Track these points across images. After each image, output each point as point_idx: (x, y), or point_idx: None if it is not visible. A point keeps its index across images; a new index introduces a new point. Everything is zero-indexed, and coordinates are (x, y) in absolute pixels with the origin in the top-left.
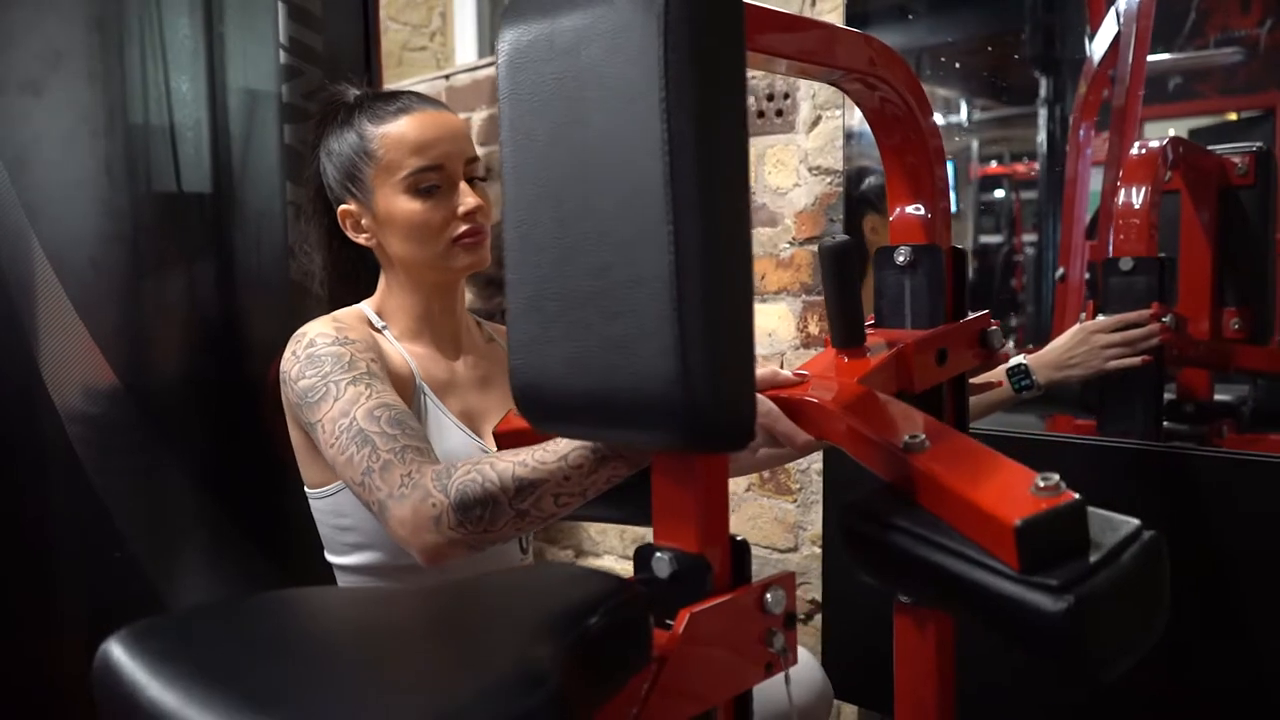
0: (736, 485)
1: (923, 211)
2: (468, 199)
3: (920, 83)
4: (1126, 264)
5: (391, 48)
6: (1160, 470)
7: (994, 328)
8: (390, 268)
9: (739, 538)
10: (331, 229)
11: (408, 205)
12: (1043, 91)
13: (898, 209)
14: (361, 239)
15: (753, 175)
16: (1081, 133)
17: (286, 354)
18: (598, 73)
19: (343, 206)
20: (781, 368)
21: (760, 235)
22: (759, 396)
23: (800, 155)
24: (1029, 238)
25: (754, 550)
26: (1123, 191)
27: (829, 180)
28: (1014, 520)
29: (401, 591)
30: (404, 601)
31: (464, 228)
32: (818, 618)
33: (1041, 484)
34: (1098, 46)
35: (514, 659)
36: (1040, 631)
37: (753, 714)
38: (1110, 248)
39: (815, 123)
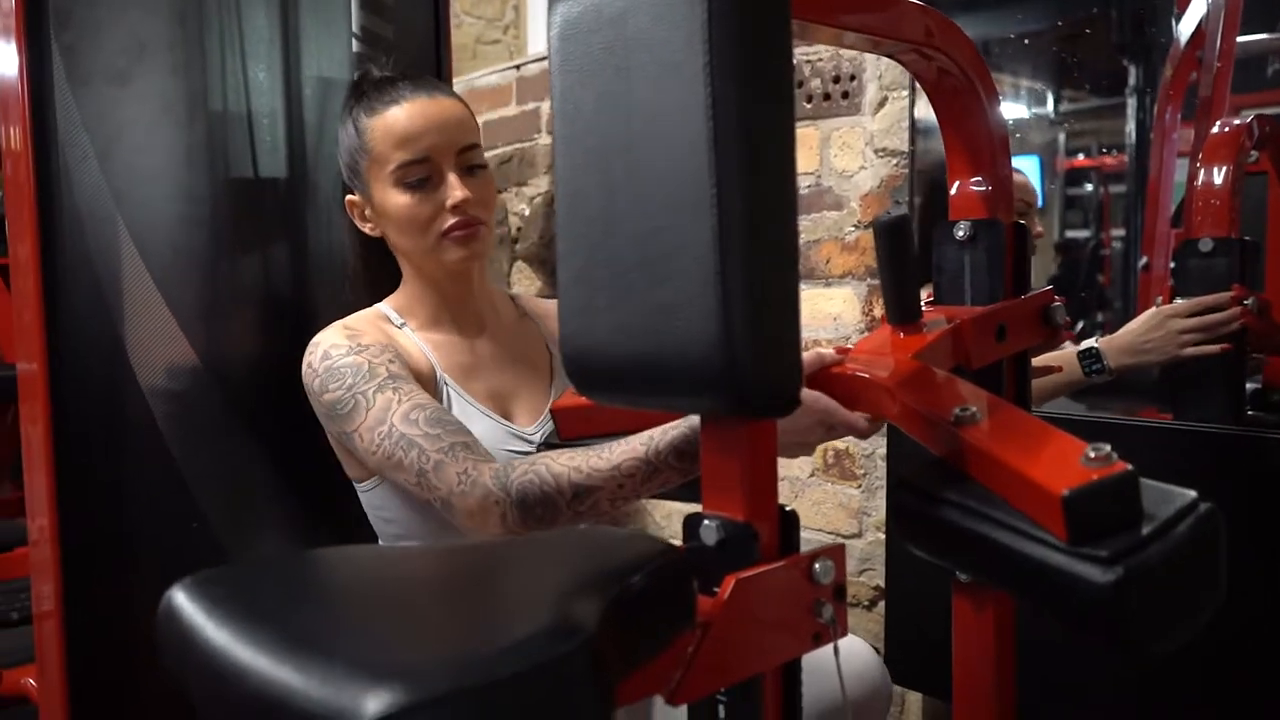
0: (800, 470)
1: (983, 185)
2: (455, 192)
3: (980, 55)
4: (1205, 245)
5: (466, 41)
6: (1239, 456)
7: (1057, 304)
8: (397, 253)
9: (788, 508)
10: None
11: (397, 199)
12: (1131, 80)
13: (957, 183)
14: (368, 229)
15: (818, 158)
16: (1166, 117)
17: (304, 366)
18: (644, 41)
19: (349, 197)
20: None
21: (826, 219)
22: (815, 394)
23: (866, 137)
24: (1117, 232)
25: (818, 536)
26: (1202, 171)
27: (895, 162)
28: (1061, 490)
29: (451, 548)
30: (452, 557)
31: (451, 221)
32: (881, 604)
33: (1092, 454)
34: (1184, 27)
35: (551, 611)
36: (1088, 604)
37: (800, 684)
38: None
39: (881, 104)
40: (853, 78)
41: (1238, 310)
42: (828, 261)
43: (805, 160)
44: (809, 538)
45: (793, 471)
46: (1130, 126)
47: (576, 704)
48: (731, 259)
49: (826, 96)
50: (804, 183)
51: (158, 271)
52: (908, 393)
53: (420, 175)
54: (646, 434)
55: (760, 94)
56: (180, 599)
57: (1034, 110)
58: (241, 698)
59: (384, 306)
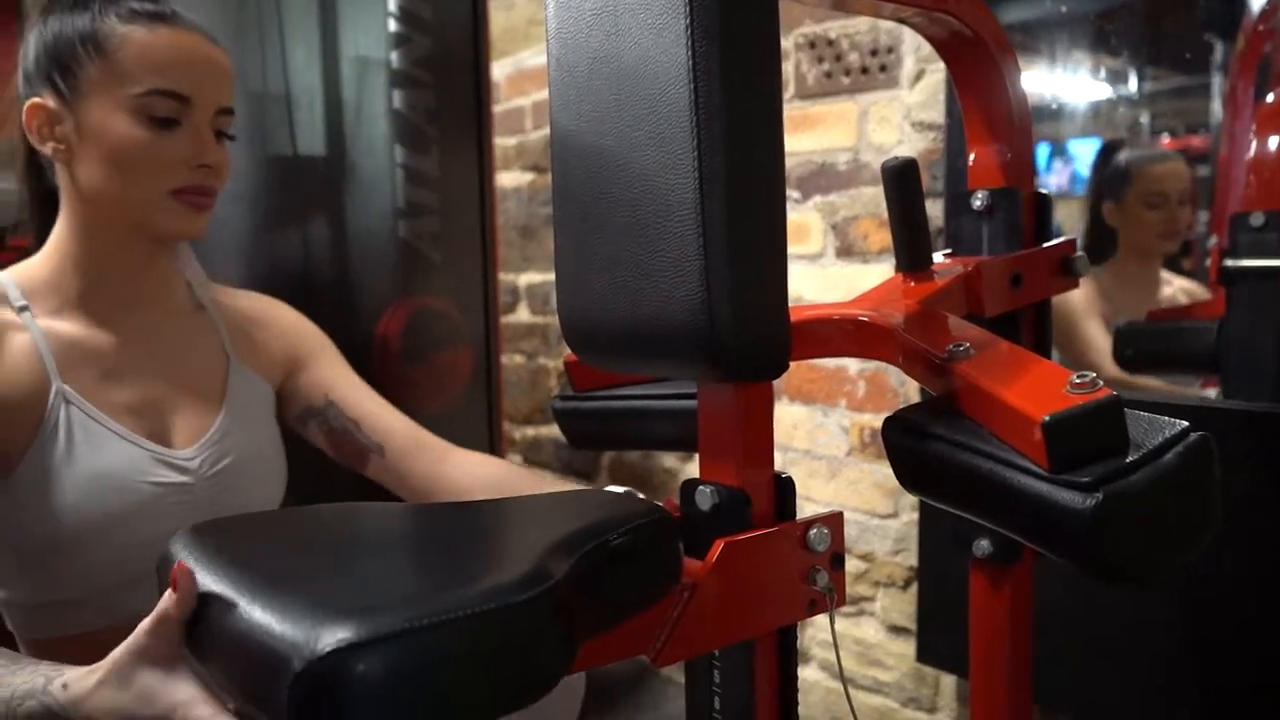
0: (837, 449)
1: (1002, 152)
2: (212, 151)
3: (993, 14)
4: (1257, 219)
5: (517, 22)
6: None
7: (1079, 254)
8: (72, 201)
9: (784, 474)
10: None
11: (130, 130)
12: (1218, 57)
13: (975, 151)
14: (48, 148)
15: (856, 133)
16: (1238, 92)
17: None
18: (631, 4)
19: (35, 100)
20: None
21: (863, 194)
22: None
23: (903, 111)
24: (1204, 215)
25: (854, 516)
26: (1255, 142)
27: (932, 136)
28: (1042, 417)
29: (447, 508)
30: (444, 514)
31: (193, 181)
32: (914, 585)
33: (1077, 381)
34: None
35: (522, 562)
36: (1068, 531)
37: (797, 651)
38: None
39: (919, 76)
40: (890, 50)
41: None
42: (865, 237)
43: (843, 135)
44: (845, 516)
45: (829, 451)
46: (1217, 105)
47: (533, 649)
48: (713, 223)
49: (864, 70)
50: (841, 158)
51: (200, 246)
52: (906, 333)
53: (170, 114)
54: (9, 691)
55: (743, 56)
56: (176, 547)
57: (1117, 90)
58: (218, 633)
59: (4, 279)
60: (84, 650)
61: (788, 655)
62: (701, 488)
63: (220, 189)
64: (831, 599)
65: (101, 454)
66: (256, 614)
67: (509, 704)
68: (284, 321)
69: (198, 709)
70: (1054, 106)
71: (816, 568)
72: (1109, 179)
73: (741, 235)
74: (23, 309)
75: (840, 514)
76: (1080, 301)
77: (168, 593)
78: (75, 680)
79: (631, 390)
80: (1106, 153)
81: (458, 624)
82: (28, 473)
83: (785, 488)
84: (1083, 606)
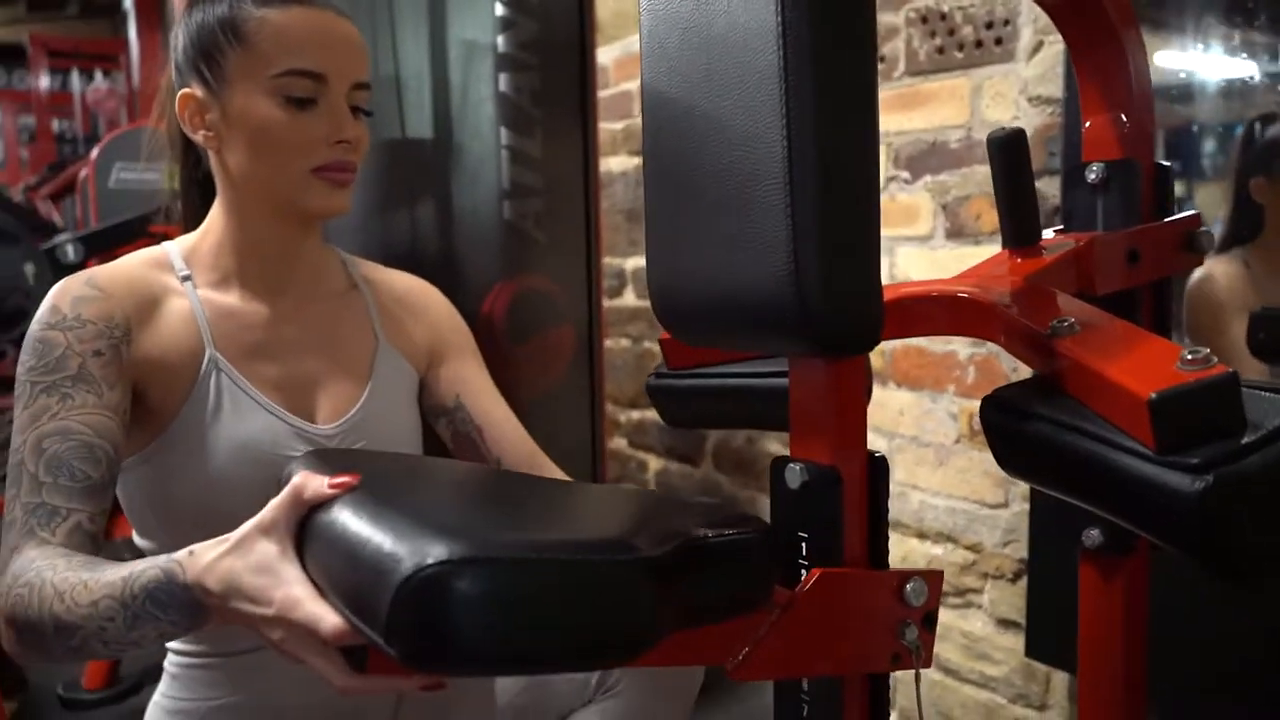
0: (945, 436)
1: (1119, 122)
2: (349, 126)
3: None
4: None
5: (625, 8)
6: None
7: (1204, 229)
8: (225, 185)
9: (878, 454)
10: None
11: (270, 111)
12: None
13: (1091, 121)
14: (199, 136)
15: (968, 109)
16: None
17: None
18: None
19: (185, 90)
20: None
21: (976, 173)
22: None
23: (1020, 85)
24: None
25: (962, 505)
26: None
27: (1049, 110)
28: (1148, 394)
29: (561, 481)
30: (559, 484)
31: (332, 158)
32: (1025, 579)
33: (1189, 357)
34: None
35: (627, 532)
36: (1175, 516)
37: (888, 701)
38: None
39: (1036, 49)
40: (1006, 23)
41: None
42: (978, 218)
43: (955, 112)
44: (952, 506)
45: (937, 438)
46: None
47: (620, 609)
48: (802, 188)
49: (978, 44)
50: (953, 136)
51: None
52: (1009, 310)
53: (307, 93)
54: (129, 568)
55: (834, 21)
56: (300, 465)
57: (1259, 65)
58: (329, 538)
59: (172, 248)
60: None
61: (879, 704)
62: (791, 465)
63: (359, 163)
64: (917, 657)
65: (245, 424)
66: (368, 525)
67: (586, 657)
68: (434, 311)
69: (298, 588)
70: (1185, 83)
71: (908, 621)
72: (1259, 153)
73: (830, 205)
74: (185, 278)
75: (940, 573)
76: (1226, 293)
77: (305, 475)
78: (203, 548)
79: (726, 368)
80: (1255, 126)
81: (556, 565)
82: (176, 434)
83: (878, 467)
84: (1187, 602)
